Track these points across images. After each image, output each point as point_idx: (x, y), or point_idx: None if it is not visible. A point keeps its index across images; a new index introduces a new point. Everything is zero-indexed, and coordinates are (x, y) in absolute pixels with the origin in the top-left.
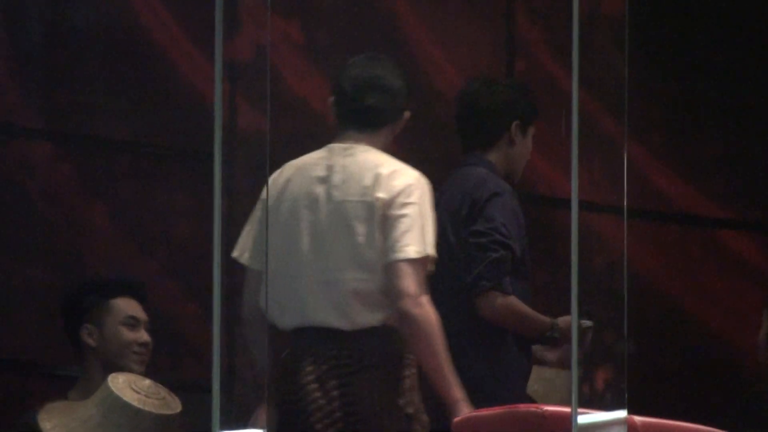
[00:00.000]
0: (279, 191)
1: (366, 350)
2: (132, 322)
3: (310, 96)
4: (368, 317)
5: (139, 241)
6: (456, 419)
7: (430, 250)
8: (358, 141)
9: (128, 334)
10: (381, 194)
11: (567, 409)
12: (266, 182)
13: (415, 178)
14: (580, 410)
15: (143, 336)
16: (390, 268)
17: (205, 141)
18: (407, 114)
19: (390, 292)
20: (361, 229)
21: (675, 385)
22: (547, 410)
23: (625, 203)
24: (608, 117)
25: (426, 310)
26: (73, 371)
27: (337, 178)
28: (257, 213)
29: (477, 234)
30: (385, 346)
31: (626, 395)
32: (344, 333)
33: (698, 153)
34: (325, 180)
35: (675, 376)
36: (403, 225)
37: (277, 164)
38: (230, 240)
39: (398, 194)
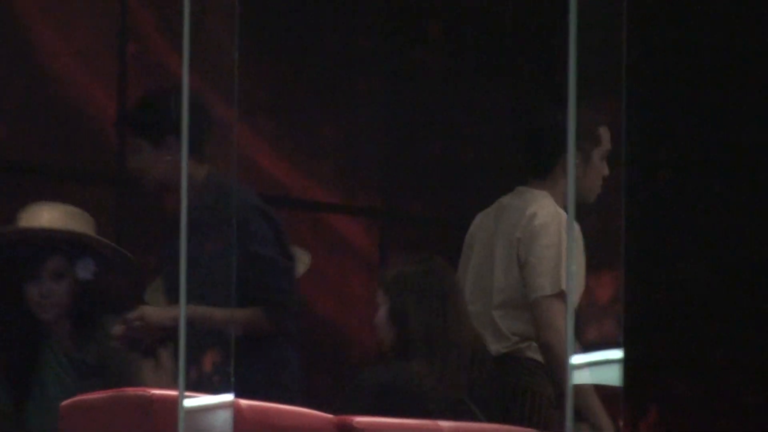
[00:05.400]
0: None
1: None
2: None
3: None
4: (493, 347)
5: None
6: (63, 402)
7: (564, 286)
8: (533, 186)
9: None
10: (519, 235)
11: (174, 393)
12: None
13: (551, 215)
14: (187, 393)
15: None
16: (534, 305)
17: None
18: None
19: (535, 325)
20: (501, 262)
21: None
22: (154, 393)
23: (235, 182)
24: (219, 100)
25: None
26: None
27: (503, 216)
28: None
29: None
30: (504, 376)
31: (233, 379)
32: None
33: (307, 137)
34: (495, 218)
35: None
36: (540, 266)
37: None
38: None
39: (536, 236)
